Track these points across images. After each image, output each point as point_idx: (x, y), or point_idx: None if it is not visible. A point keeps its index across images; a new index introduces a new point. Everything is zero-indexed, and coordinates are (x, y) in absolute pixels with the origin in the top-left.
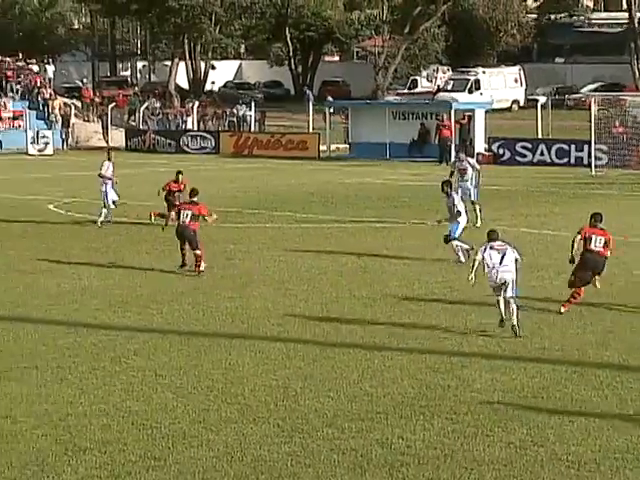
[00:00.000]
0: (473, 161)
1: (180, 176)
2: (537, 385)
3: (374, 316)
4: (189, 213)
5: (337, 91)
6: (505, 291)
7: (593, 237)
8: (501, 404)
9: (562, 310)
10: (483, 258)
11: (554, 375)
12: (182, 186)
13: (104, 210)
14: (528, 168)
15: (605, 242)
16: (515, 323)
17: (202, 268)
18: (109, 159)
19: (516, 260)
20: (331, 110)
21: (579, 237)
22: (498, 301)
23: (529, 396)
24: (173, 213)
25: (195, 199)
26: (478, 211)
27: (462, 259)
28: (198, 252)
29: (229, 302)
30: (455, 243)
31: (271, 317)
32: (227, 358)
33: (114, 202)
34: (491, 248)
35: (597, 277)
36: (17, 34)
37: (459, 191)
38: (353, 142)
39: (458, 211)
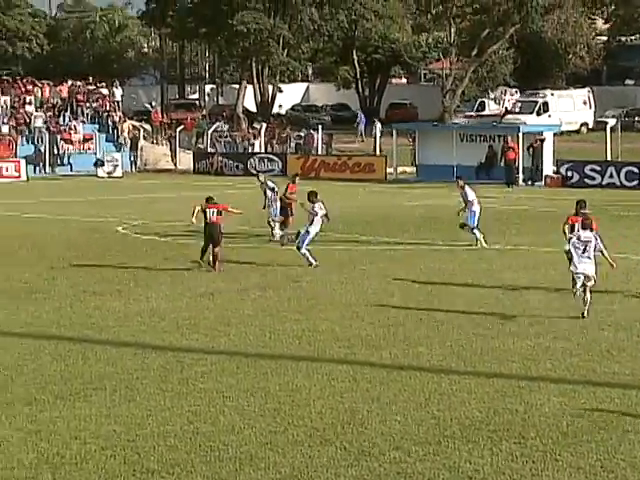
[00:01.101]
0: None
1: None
2: (607, 410)
3: (441, 339)
4: (214, 211)
5: (404, 114)
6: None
7: (577, 225)
8: (570, 428)
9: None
10: (569, 250)
11: (624, 400)
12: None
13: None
14: (597, 191)
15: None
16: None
17: (221, 268)
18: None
19: (601, 251)
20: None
21: (567, 226)
22: (575, 293)
23: (599, 421)
24: (194, 219)
25: (214, 199)
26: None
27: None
28: (217, 249)
29: (296, 324)
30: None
31: (338, 340)
32: (294, 381)
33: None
34: (578, 239)
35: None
36: (88, 58)
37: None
38: (420, 165)
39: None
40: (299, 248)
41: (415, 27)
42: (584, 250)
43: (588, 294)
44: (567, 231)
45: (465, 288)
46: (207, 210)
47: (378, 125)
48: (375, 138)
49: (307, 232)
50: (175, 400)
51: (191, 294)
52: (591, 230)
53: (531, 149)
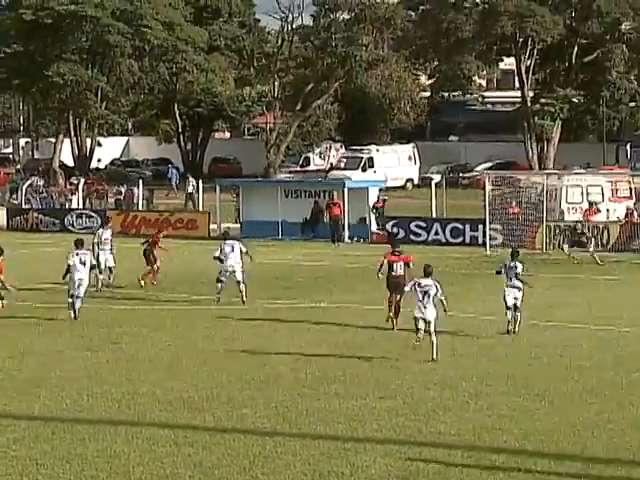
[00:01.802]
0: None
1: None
2: (432, 470)
3: (266, 400)
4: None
5: (228, 169)
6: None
7: (394, 264)
8: None
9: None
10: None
11: (450, 460)
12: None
13: (100, 275)
14: (423, 247)
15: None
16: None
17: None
18: (106, 225)
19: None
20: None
21: (385, 261)
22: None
23: None
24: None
25: None
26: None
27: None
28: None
29: (114, 387)
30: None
31: (159, 402)
32: (112, 446)
33: (110, 268)
34: (418, 285)
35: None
36: None
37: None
38: (244, 221)
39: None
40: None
41: (238, 80)
42: (424, 296)
43: (433, 337)
44: (383, 265)
45: (289, 347)
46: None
47: (192, 181)
48: (187, 194)
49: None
50: None
51: (2, 354)
52: (431, 277)
53: (374, 209)
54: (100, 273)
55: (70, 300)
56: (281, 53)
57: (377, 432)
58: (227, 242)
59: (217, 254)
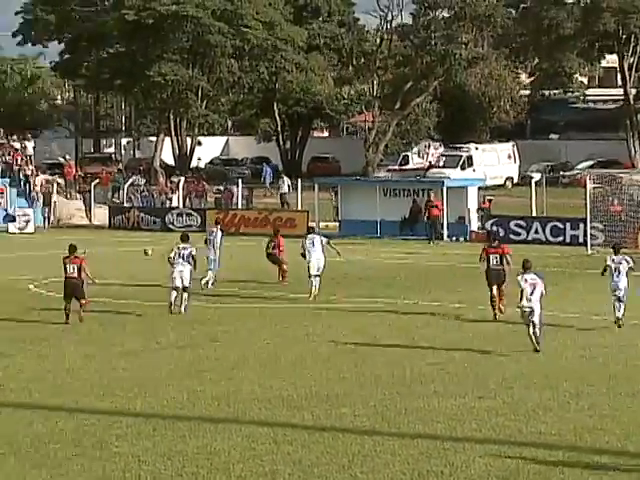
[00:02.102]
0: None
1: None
2: (533, 470)
3: (364, 399)
4: (75, 266)
5: (327, 167)
6: (533, 319)
7: (491, 256)
8: None
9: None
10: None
11: (550, 460)
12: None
13: (210, 273)
14: (523, 246)
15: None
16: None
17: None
18: (217, 224)
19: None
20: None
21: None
22: (527, 326)
23: None
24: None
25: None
26: None
27: None
28: (83, 301)
29: (215, 385)
30: None
31: (258, 400)
32: (212, 443)
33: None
34: (524, 280)
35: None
36: None
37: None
38: (343, 220)
39: None
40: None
41: (337, 79)
42: (532, 290)
43: (537, 329)
44: (482, 258)
45: (388, 346)
46: (67, 264)
47: (286, 180)
48: (280, 193)
49: None
50: (89, 465)
51: (106, 354)
52: (535, 272)
53: (480, 210)
54: (209, 270)
55: (173, 294)
56: (380, 52)
57: (476, 432)
58: (308, 237)
59: (301, 251)
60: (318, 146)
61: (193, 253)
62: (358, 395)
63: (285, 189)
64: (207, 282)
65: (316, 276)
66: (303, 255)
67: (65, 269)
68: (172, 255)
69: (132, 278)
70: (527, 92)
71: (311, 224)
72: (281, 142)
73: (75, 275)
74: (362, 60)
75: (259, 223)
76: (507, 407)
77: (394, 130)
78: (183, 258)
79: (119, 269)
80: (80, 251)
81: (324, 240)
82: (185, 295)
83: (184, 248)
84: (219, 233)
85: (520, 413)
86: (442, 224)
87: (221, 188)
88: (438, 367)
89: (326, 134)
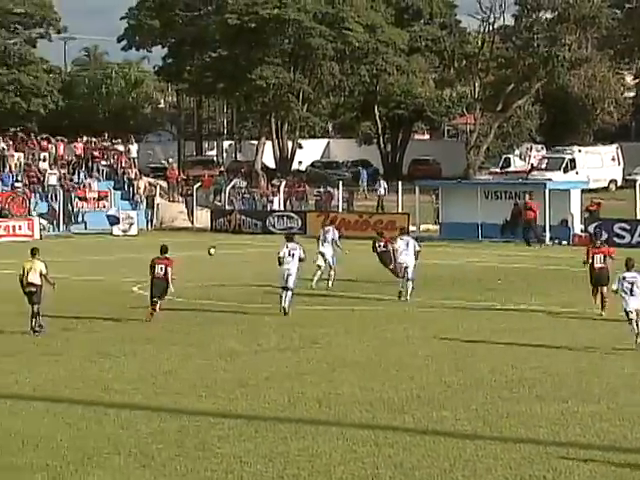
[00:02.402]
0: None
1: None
2: (638, 477)
3: (466, 402)
4: (163, 266)
5: (427, 170)
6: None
7: (595, 257)
8: None
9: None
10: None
11: None
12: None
13: (332, 272)
14: (626, 250)
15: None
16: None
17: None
18: (332, 223)
19: None
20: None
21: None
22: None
23: None
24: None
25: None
26: None
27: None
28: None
29: (315, 387)
30: None
31: (359, 403)
32: (314, 446)
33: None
34: (623, 279)
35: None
36: (103, 114)
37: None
38: (443, 222)
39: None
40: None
41: (438, 82)
42: (631, 288)
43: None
44: (586, 258)
45: (490, 349)
46: (155, 265)
47: (383, 183)
48: (378, 196)
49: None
50: (191, 465)
51: (207, 355)
52: (635, 270)
53: (587, 212)
54: (330, 269)
55: (281, 293)
56: (482, 54)
57: (580, 437)
58: (403, 238)
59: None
60: (419, 148)
61: (302, 255)
62: (459, 398)
63: (382, 192)
64: (329, 281)
65: (408, 279)
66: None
67: (153, 269)
68: (282, 254)
69: (233, 280)
70: (632, 94)
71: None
72: (382, 145)
73: (162, 275)
74: (463, 62)
75: (359, 226)
76: (612, 412)
77: (495, 132)
78: (293, 257)
79: (220, 271)
80: (212, 250)
81: (417, 247)
82: (289, 294)
83: (293, 248)
84: (335, 232)
85: (625, 419)
86: (539, 226)
87: (321, 191)
88: (540, 370)
89: (427, 136)
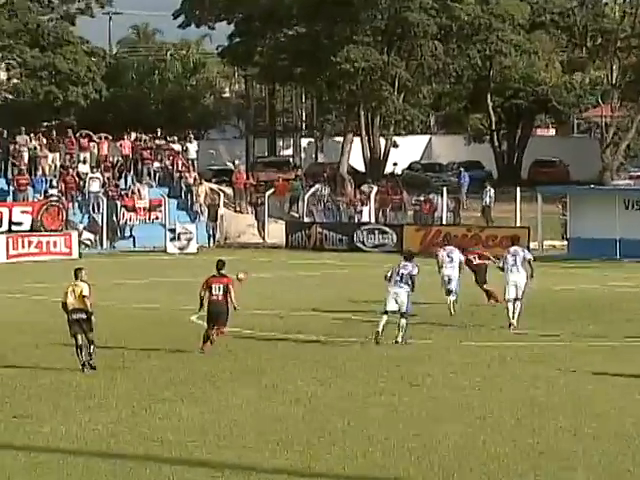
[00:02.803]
0: None
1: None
2: None
3: (600, 457)
4: (221, 286)
5: (553, 173)
6: None
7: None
8: None
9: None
10: None
11: None
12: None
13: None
14: None
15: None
16: None
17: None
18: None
19: None
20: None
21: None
22: None
23: None
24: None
25: (223, 271)
26: None
27: None
28: (225, 330)
29: (413, 440)
30: None
31: (468, 460)
32: None
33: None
34: None
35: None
36: (156, 105)
37: None
38: (572, 238)
39: None
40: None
41: (567, 65)
42: None
43: None
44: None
45: (633, 397)
46: (212, 285)
47: (489, 190)
48: (483, 205)
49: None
50: None
51: (282, 400)
52: None
53: None
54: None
55: (449, 297)
56: (622, 30)
57: None
58: (511, 250)
59: (499, 264)
60: (542, 147)
61: (413, 273)
62: (594, 453)
63: (488, 200)
64: (451, 305)
65: (516, 300)
66: (501, 268)
67: (210, 290)
68: (389, 274)
69: (313, 307)
70: None
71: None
72: (496, 142)
73: (221, 297)
74: (598, 40)
75: (468, 242)
76: None
77: (638, 127)
78: (401, 278)
79: (297, 296)
80: (241, 275)
81: (528, 255)
82: (403, 322)
83: (404, 266)
84: (457, 251)
85: None
86: None
87: (421, 199)
88: None
89: (552, 132)
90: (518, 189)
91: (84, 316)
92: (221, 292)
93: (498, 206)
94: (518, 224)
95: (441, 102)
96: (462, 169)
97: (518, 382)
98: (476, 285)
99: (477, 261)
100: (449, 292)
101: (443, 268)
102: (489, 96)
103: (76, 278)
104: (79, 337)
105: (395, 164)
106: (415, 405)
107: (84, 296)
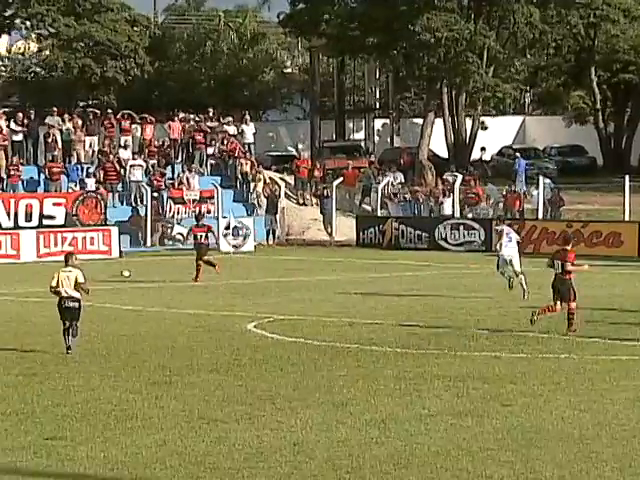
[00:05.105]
0: None
1: None
2: None
3: None
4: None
5: None
6: None
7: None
8: None
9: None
10: None
11: None
12: None
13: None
14: None
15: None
16: None
17: None
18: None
19: None
20: None
21: None
22: None
23: None
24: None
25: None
26: None
27: None
28: None
29: (505, 467)
30: None
31: None
32: None
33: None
34: None
35: None
36: (208, 82)
37: None
38: None
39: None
40: None
41: None
42: None
43: None
44: None
45: None
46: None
47: (545, 180)
48: (538, 196)
49: None
50: None
51: (353, 422)
52: None
53: None
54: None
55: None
56: None
57: None
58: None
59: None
60: None
61: (518, 238)
62: None
63: (541, 192)
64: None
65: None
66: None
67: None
68: (502, 239)
69: (389, 316)
70: None
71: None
72: (601, 124)
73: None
74: None
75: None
76: None
77: None
78: (511, 240)
79: (368, 303)
80: (125, 273)
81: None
82: (522, 278)
83: (509, 231)
84: (513, 232)
85: None
86: None
87: (514, 189)
88: None
89: None
90: (627, 178)
91: (76, 305)
92: None
93: (603, 198)
94: (627, 218)
95: (537, 77)
96: (517, 155)
97: (623, 401)
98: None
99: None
100: (517, 274)
101: (503, 248)
102: (593, 70)
103: (67, 264)
104: (67, 323)
105: (483, 149)
106: (505, 429)
107: (80, 283)
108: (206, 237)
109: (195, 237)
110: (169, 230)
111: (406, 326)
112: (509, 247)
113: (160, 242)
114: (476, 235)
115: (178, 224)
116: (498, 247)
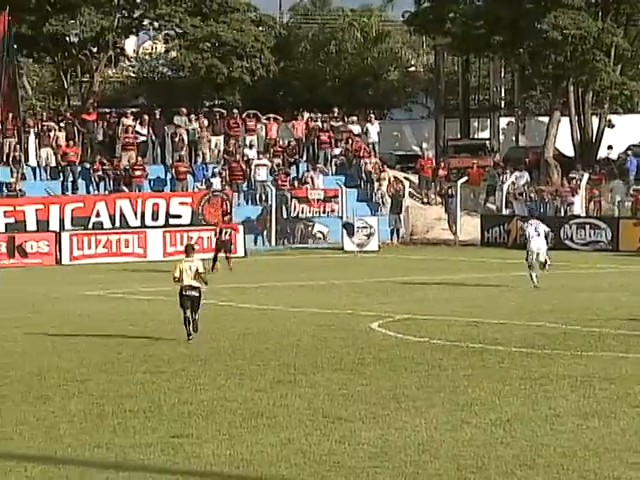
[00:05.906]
0: None
1: None
2: None
3: None
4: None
5: None
6: None
7: None
8: None
9: None
10: None
11: None
12: None
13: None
14: None
15: None
16: None
17: None
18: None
19: None
20: None
21: None
22: None
23: None
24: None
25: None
26: None
27: None
28: None
29: (634, 470)
30: None
31: None
32: None
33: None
34: None
35: None
36: (332, 81)
37: None
38: None
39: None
40: None
41: None
42: None
43: None
44: None
45: None
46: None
47: (585, 176)
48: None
49: None
50: None
51: (478, 421)
52: None
53: None
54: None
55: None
56: None
57: None
58: (532, 223)
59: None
60: None
61: (546, 229)
62: None
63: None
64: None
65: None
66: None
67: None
68: (526, 230)
69: (513, 316)
70: None
71: None
72: None
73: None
74: None
75: None
76: None
77: None
78: (539, 235)
79: (495, 301)
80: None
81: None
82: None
83: (537, 224)
84: (542, 225)
85: None
86: None
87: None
88: None
89: None
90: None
91: (197, 294)
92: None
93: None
94: None
95: None
96: (629, 152)
97: None
98: None
99: None
100: (543, 266)
101: (532, 240)
102: None
103: (188, 255)
104: (188, 311)
105: (610, 147)
106: (635, 430)
107: (201, 273)
108: (230, 234)
109: (221, 233)
110: (310, 228)
111: (532, 326)
112: (537, 240)
113: (302, 240)
114: (602, 235)
115: (319, 222)
116: (528, 240)
